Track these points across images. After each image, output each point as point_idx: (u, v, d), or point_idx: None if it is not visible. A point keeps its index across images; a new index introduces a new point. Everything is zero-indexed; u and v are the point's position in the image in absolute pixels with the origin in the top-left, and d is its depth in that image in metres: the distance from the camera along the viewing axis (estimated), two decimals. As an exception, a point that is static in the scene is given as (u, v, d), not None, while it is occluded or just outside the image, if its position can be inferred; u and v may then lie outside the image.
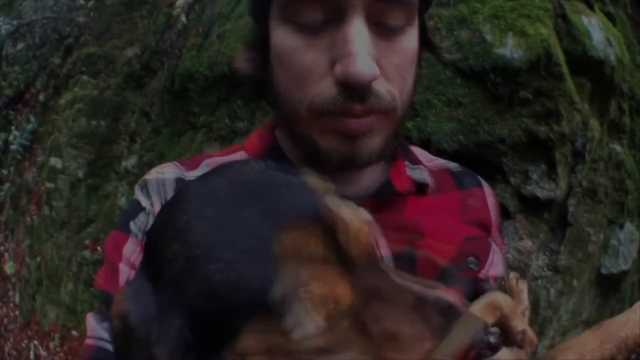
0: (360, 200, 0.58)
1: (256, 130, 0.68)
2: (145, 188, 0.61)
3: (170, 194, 0.59)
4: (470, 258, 0.61)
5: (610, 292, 1.98)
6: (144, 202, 0.59)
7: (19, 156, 3.23)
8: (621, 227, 2.04)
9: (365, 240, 0.36)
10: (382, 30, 0.49)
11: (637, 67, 2.21)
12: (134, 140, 2.12)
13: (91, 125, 2.28)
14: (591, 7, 1.72)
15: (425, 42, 0.61)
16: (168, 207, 0.38)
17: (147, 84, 2.14)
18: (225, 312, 0.33)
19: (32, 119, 3.15)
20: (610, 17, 1.89)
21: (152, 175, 0.62)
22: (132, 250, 0.57)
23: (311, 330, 0.32)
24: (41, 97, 3.09)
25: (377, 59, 0.48)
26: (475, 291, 0.64)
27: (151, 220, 0.57)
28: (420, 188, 0.64)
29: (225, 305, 0.32)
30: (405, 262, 0.57)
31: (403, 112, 0.56)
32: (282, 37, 0.50)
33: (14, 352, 2.90)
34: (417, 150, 0.73)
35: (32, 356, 2.74)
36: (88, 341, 0.54)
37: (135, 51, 2.16)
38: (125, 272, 0.55)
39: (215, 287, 0.32)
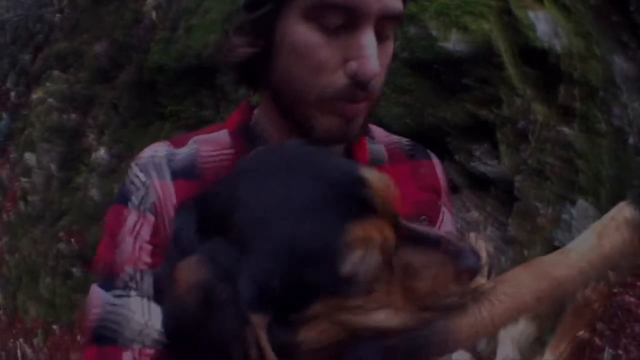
0: None
1: (236, 110, 0.78)
2: (141, 166, 0.66)
3: (164, 169, 0.66)
4: (423, 217, 0.72)
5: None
6: (143, 177, 0.65)
7: (-7, 154, 3.20)
8: (573, 203, 2.19)
9: (386, 194, 0.44)
10: (378, 38, 0.59)
11: (593, 56, 2.36)
12: (103, 132, 2.16)
13: (62, 119, 2.31)
14: (539, 1, 1.84)
15: None
16: (230, 181, 0.45)
17: (116, 78, 2.18)
18: (299, 262, 0.39)
19: (5, 116, 3.13)
20: (565, 9, 2.02)
21: (147, 153, 0.69)
22: (134, 220, 0.62)
23: (355, 260, 0.39)
24: (13, 95, 3.08)
25: None
26: None
27: (150, 193, 0.63)
28: (377, 160, 0.75)
29: (299, 255, 0.39)
30: None
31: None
32: (303, 33, 0.58)
33: (3, 353, 2.86)
34: (374, 128, 0.85)
35: (19, 354, 2.74)
36: (95, 310, 0.58)
37: (103, 46, 2.19)
38: (129, 242, 0.60)
39: (288, 240, 0.39)
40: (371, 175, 0.44)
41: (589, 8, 2.41)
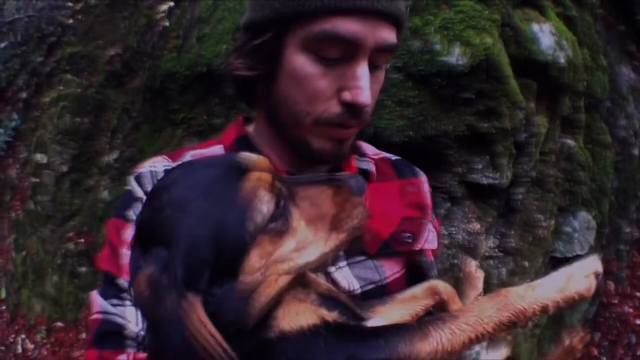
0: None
1: (230, 126, 0.81)
2: (139, 180, 0.71)
3: None
4: (407, 234, 0.76)
5: (570, 277, 2.14)
6: (139, 192, 0.70)
7: (2, 153, 3.25)
8: (574, 214, 2.21)
9: (264, 163, 0.54)
10: (371, 68, 0.65)
11: (599, 67, 2.37)
12: (115, 136, 2.21)
13: (75, 122, 2.35)
14: (543, 14, 1.86)
15: None
16: (150, 199, 0.54)
17: (128, 83, 2.23)
18: (219, 228, 0.46)
19: (15, 116, 3.18)
20: (571, 20, 2.03)
21: (146, 168, 0.73)
22: (131, 234, 0.64)
23: (266, 199, 0.48)
24: (23, 95, 3.13)
25: None
26: (413, 261, 0.78)
27: None
28: (365, 176, 0.78)
29: (215, 222, 0.46)
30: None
31: None
32: (302, 63, 0.64)
33: (2, 348, 2.86)
34: (365, 146, 0.88)
35: (19, 350, 2.74)
36: (94, 317, 0.65)
37: (116, 51, 2.24)
38: (126, 255, 0.64)
39: (202, 215, 0.46)
40: (247, 153, 0.55)
41: (595, 18, 2.43)
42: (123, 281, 0.65)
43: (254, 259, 0.47)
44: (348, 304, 0.59)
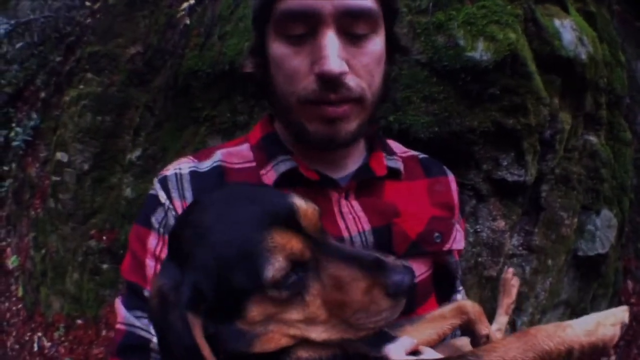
0: (346, 183, 0.72)
1: (257, 124, 0.82)
2: (164, 183, 0.70)
3: (187, 187, 0.70)
4: (436, 234, 0.75)
5: (591, 275, 2.12)
6: (163, 197, 0.69)
7: (21, 152, 3.29)
8: (597, 213, 2.18)
9: (312, 217, 0.51)
10: (350, 38, 0.64)
11: (618, 63, 2.34)
12: (138, 134, 2.23)
13: (96, 120, 2.38)
14: (565, 10, 1.84)
15: (397, 47, 0.75)
16: (187, 210, 0.54)
17: (150, 81, 2.25)
18: (226, 268, 0.45)
19: (34, 115, 3.22)
20: (591, 16, 2.01)
21: (171, 171, 0.72)
22: (155, 243, 0.67)
23: (277, 266, 0.45)
24: (42, 95, 3.17)
25: (347, 60, 0.63)
26: (441, 261, 0.77)
27: (169, 215, 0.68)
28: (394, 174, 0.78)
29: (225, 261, 0.45)
30: (383, 235, 0.71)
31: (374, 102, 0.70)
32: (277, 47, 0.65)
33: (17, 346, 2.89)
34: (393, 143, 0.87)
35: (35, 348, 2.75)
36: (118, 326, 0.65)
37: (137, 49, 2.26)
38: (151, 266, 0.65)
39: (217, 249, 0.46)
40: (299, 200, 0.51)
41: (613, 14, 2.40)
42: (148, 293, 0.65)
43: (254, 313, 0.47)
44: None
